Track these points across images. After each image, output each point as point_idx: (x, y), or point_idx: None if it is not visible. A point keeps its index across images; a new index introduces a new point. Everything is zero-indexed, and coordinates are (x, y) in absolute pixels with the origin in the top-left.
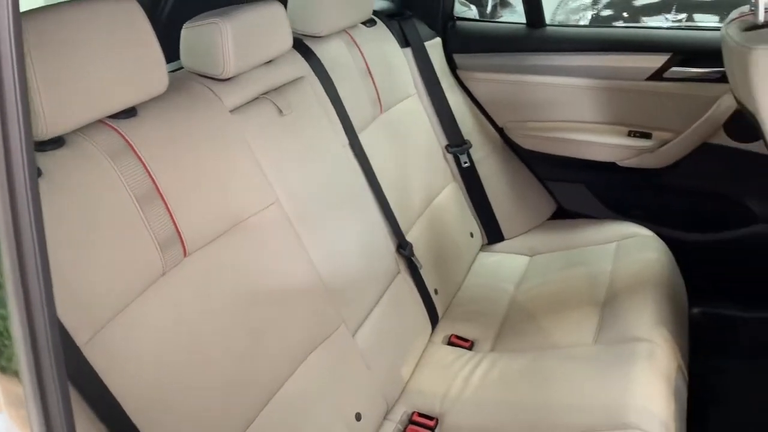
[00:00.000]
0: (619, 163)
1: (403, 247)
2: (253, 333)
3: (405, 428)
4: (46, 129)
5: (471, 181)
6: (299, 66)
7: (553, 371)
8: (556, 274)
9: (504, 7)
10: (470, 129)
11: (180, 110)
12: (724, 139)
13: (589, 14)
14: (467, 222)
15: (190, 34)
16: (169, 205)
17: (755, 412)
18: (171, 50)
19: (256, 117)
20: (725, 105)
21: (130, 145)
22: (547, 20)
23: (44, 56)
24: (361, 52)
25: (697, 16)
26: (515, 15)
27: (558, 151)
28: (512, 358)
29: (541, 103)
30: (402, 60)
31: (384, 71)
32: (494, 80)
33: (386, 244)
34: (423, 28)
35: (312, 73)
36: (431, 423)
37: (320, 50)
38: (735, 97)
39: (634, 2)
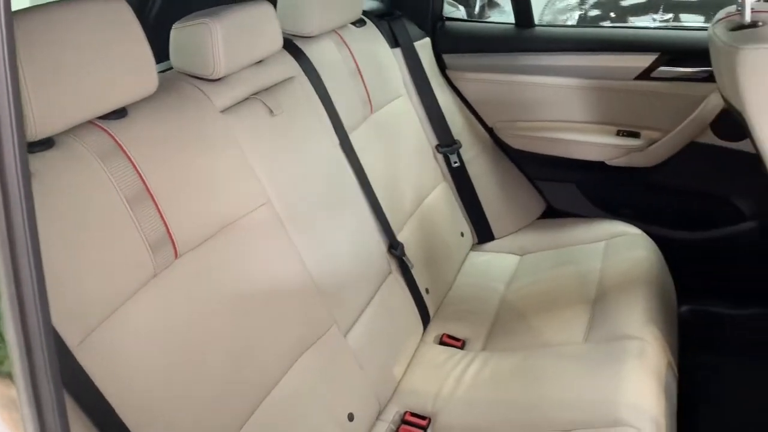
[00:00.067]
0: (608, 163)
1: (394, 247)
2: (245, 334)
3: (397, 428)
4: (35, 130)
5: (461, 180)
6: (289, 66)
7: (544, 370)
8: (546, 273)
9: (492, 7)
10: (460, 129)
11: (170, 111)
12: (711, 138)
13: (576, 14)
14: (458, 222)
15: (179, 34)
16: (159, 207)
17: (743, 407)
18: (159, 50)
19: (246, 117)
20: (712, 104)
21: (120, 146)
22: (535, 21)
23: (33, 57)
24: (351, 52)
25: (683, 16)
26: (503, 15)
27: (547, 150)
28: (503, 357)
29: (530, 103)
30: (392, 60)
31: (374, 71)
32: (483, 80)
33: (377, 244)
34: (412, 28)
35: (302, 74)
36: (423, 422)
37: (310, 50)
38: (722, 97)
39: (621, 2)
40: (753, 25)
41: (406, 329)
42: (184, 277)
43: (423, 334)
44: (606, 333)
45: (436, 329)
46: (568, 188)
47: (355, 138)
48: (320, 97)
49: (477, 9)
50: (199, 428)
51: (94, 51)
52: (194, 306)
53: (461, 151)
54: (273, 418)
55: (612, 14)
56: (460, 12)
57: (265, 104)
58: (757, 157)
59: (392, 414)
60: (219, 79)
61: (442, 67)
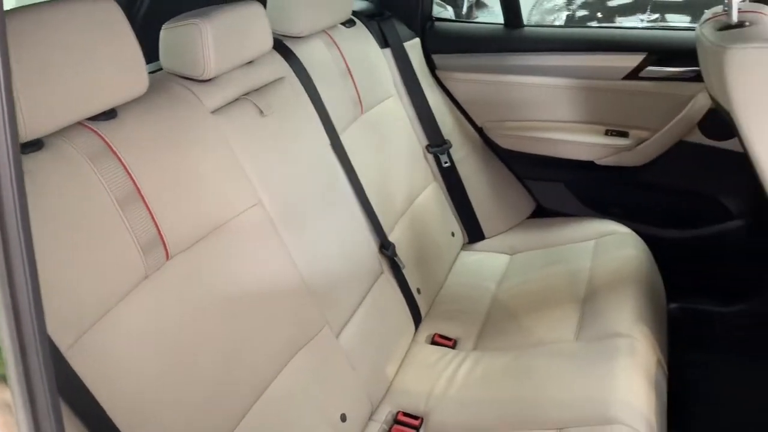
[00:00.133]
0: (597, 162)
1: (385, 247)
2: (238, 336)
3: (390, 428)
4: (24, 131)
5: (451, 180)
6: (279, 67)
7: (535, 368)
8: (536, 272)
9: (479, 8)
10: (450, 129)
11: (160, 112)
12: (699, 137)
13: (564, 15)
14: (448, 221)
15: (169, 34)
16: (150, 208)
17: (732, 404)
18: (148, 51)
19: (237, 118)
20: (700, 103)
21: (110, 147)
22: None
23: (21, 57)
24: (341, 52)
25: (669, 17)
26: (491, 16)
27: (536, 150)
28: (495, 356)
29: (519, 103)
30: (382, 60)
31: (364, 72)
32: (473, 80)
33: (369, 244)
34: (402, 29)
35: (292, 74)
36: (416, 422)
37: (300, 51)
38: (710, 96)
39: (608, 2)
40: (740, 25)
41: (398, 329)
42: (175, 278)
43: (415, 334)
44: (596, 331)
45: (427, 329)
46: (557, 188)
47: (345, 138)
48: (310, 98)
49: (465, 9)
50: (191, 430)
51: (83, 51)
52: (186, 308)
53: (451, 151)
54: (265, 420)
55: (599, 14)
56: (448, 12)
57: (255, 105)
58: (744, 155)
59: (385, 414)
60: (209, 80)
61: (432, 67)
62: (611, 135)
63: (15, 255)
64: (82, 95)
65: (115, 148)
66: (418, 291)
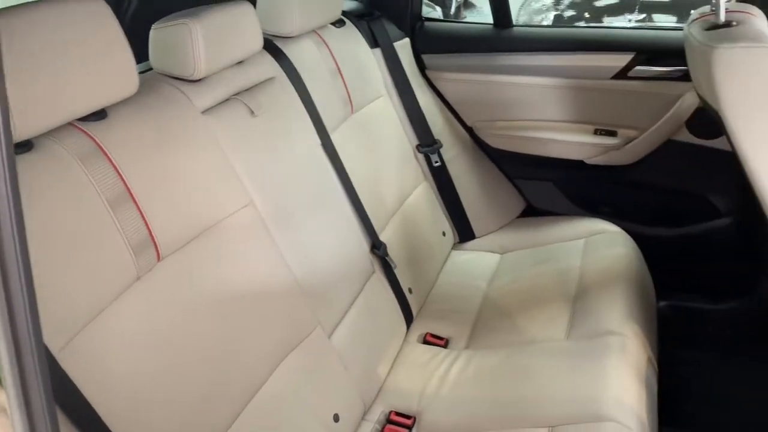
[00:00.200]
0: (587, 161)
1: (377, 247)
2: (230, 337)
3: (383, 428)
4: (14, 132)
5: (442, 180)
6: (270, 67)
7: (527, 367)
8: (526, 271)
9: (467, 8)
10: (440, 129)
11: (150, 112)
12: (687, 136)
13: (551, 15)
14: (439, 221)
15: (159, 35)
16: (141, 209)
17: (721, 401)
18: (136, 51)
19: (227, 118)
20: (688, 102)
21: (101, 147)
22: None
23: (10, 58)
24: (330, 52)
25: (656, 17)
26: (479, 16)
27: (526, 149)
28: (487, 354)
29: (509, 103)
30: (372, 60)
31: (354, 71)
32: (463, 80)
33: (360, 244)
34: (392, 29)
35: (283, 74)
36: (409, 422)
37: (290, 51)
38: (698, 95)
39: (595, 3)
40: (727, 24)
41: (390, 329)
42: (167, 279)
43: (406, 333)
44: (587, 329)
45: (419, 328)
46: (547, 187)
47: (336, 138)
48: (301, 98)
49: (453, 9)
50: (184, 431)
51: (73, 52)
52: (178, 309)
53: (442, 150)
54: (258, 421)
55: (587, 15)
56: (437, 12)
57: (246, 105)
58: (732, 154)
59: (377, 414)
60: (199, 80)
61: (422, 67)
62: (600, 134)
63: (10, 257)
64: (71, 96)
65: (105, 149)
66: (410, 290)
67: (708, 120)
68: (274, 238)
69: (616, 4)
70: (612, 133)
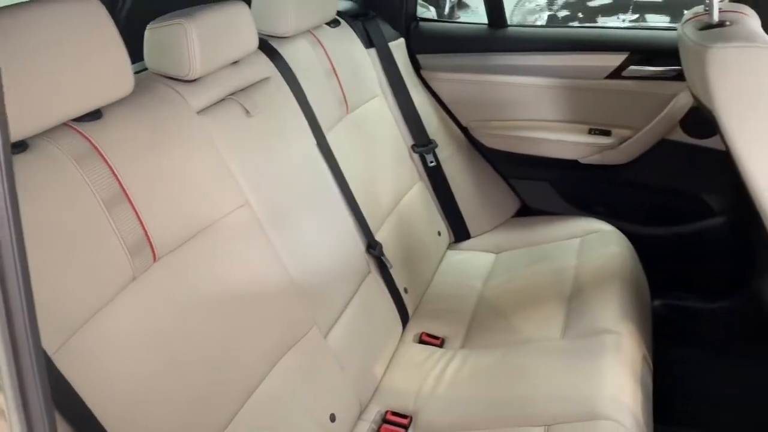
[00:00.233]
0: (581, 161)
1: (372, 246)
2: (226, 337)
3: (379, 427)
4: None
5: (437, 180)
6: (265, 67)
7: (523, 366)
8: (522, 270)
9: (461, 8)
10: (435, 129)
11: (146, 112)
12: (681, 136)
13: (545, 15)
14: (434, 221)
15: (154, 35)
16: (137, 209)
17: (715, 398)
18: (130, 51)
19: (223, 118)
20: (682, 102)
21: (96, 148)
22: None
23: (5, 57)
24: (326, 52)
25: (649, 17)
26: (473, 16)
27: (521, 149)
28: (482, 354)
29: (503, 103)
30: (367, 60)
31: (349, 71)
32: (457, 80)
33: (356, 244)
34: (387, 29)
35: (278, 74)
36: (405, 421)
37: (285, 51)
38: (692, 94)
39: (588, 3)
40: (721, 24)
41: (386, 329)
42: (163, 280)
43: (402, 333)
44: (583, 328)
45: (415, 328)
46: (542, 186)
47: (331, 138)
48: (296, 98)
49: (447, 10)
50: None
51: (67, 52)
52: (174, 309)
53: (437, 150)
54: (255, 421)
55: (580, 15)
56: (431, 12)
57: (241, 105)
58: (725, 153)
59: (374, 413)
60: (195, 80)
61: (417, 67)
62: (594, 134)
63: (7, 259)
64: (66, 96)
65: (100, 149)
66: (406, 290)
67: (702, 119)
68: (269, 238)
69: (609, 4)
70: (606, 133)
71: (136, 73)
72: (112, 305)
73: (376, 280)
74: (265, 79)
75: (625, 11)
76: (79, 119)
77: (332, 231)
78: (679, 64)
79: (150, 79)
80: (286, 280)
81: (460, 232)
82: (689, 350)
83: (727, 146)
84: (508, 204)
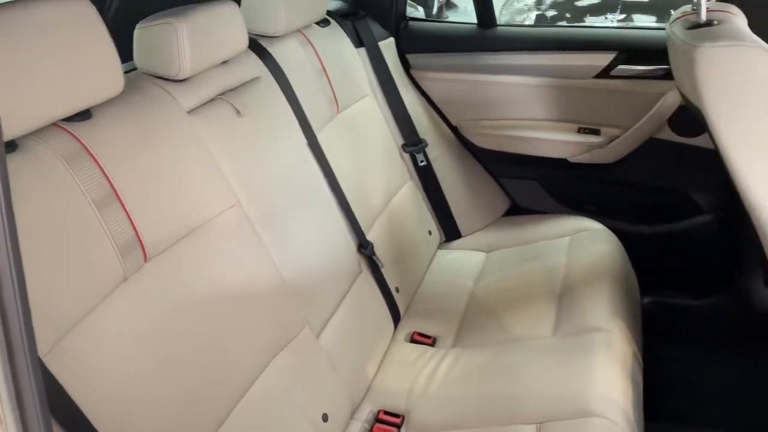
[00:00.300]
0: (570, 159)
1: (364, 246)
2: (218, 337)
3: (371, 427)
4: None
5: (427, 179)
6: (255, 66)
7: (514, 364)
8: (512, 269)
9: (449, 8)
10: (425, 128)
11: (135, 112)
12: (669, 135)
13: (533, 15)
14: (425, 220)
15: (143, 34)
16: (127, 209)
17: (705, 395)
18: (118, 50)
19: (213, 118)
20: (670, 101)
21: (86, 148)
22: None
23: None
24: (316, 52)
25: (636, 17)
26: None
27: (511, 148)
28: (474, 353)
29: (493, 102)
30: (357, 60)
31: (339, 71)
32: (447, 80)
33: (347, 243)
34: (376, 28)
35: (268, 74)
36: (397, 420)
37: (275, 50)
38: (680, 93)
39: (577, 3)
40: (708, 23)
41: (378, 328)
42: (154, 280)
43: (394, 332)
44: (573, 326)
45: (406, 327)
46: (531, 185)
47: (322, 138)
48: (287, 97)
49: (435, 9)
50: None
51: (57, 51)
52: (165, 310)
53: (427, 150)
54: (248, 421)
55: (568, 14)
56: (419, 12)
57: (231, 105)
58: (714, 151)
59: (366, 413)
60: (185, 80)
61: (407, 66)
62: (583, 133)
63: (3, 262)
64: (56, 96)
65: (90, 149)
66: (397, 290)
67: (690, 118)
68: (261, 237)
69: (597, 4)
70: (595, 132)
71: (125, 72)
72: (103, 306)
73: (367, 279)
74: (256, 79)
75: (612, 11)
76: (69, 119)
77: (323, 230)
78: (667, 63)
79: (140, 78)
80: (277, 280)
81: (450, 231)
82: (678, 347)
83: (715, 144)
84: (498, 203)
